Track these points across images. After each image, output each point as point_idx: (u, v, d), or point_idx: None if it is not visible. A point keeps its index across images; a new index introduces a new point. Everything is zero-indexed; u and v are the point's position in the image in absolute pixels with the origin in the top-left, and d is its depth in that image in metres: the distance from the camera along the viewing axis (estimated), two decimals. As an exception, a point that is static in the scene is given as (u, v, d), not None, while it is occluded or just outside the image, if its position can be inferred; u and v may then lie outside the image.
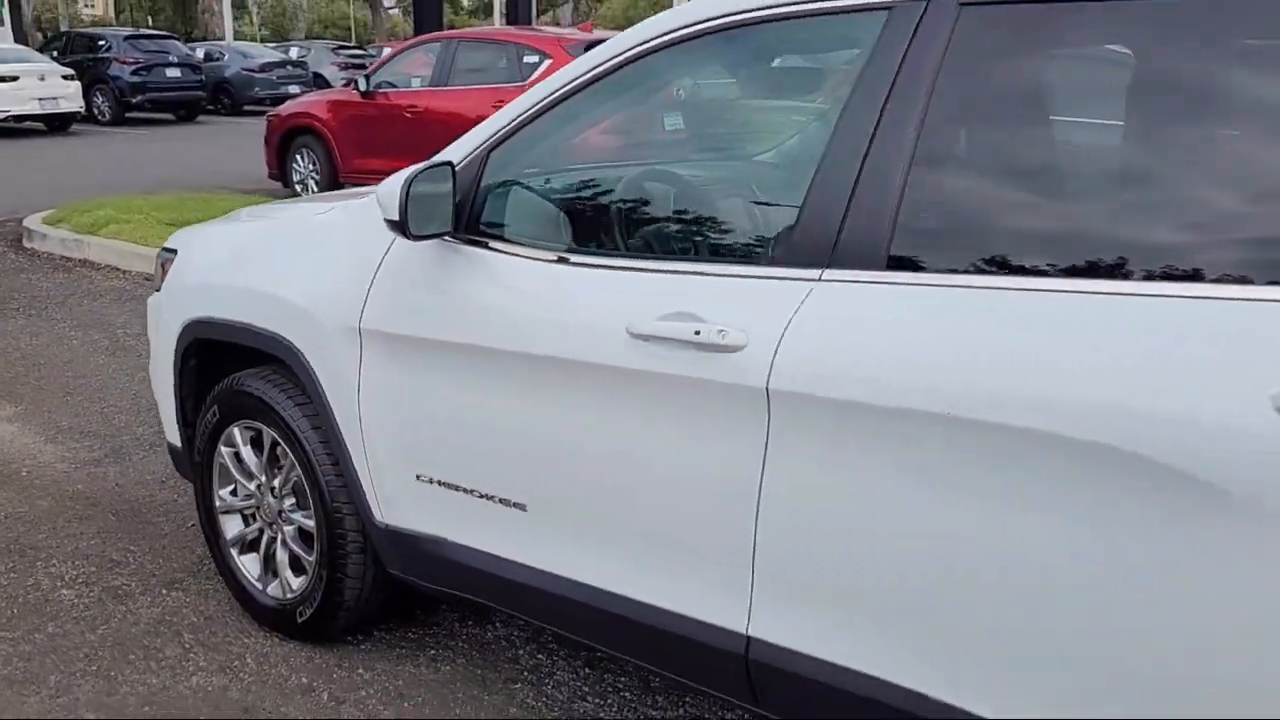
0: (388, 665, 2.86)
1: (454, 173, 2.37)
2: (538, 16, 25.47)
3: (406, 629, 3.03)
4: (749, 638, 2.01)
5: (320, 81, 24.66)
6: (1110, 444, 1.55)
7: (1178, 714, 1.55)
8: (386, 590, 2.85)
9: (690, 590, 2.09)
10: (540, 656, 2.91)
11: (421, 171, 2.31)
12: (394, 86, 10.58)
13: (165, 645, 2.94)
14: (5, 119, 18.32)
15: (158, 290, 3.25)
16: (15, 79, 18.38)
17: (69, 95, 19.12)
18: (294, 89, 22.50)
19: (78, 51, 21.80)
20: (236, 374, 2.94)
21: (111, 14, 75.30)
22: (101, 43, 21.73)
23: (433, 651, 2.93)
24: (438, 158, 2.44)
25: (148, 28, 42.19)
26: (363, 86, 10.62)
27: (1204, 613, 1.51)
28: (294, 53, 28.47)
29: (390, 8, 45.92)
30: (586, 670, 2.84)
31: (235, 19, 40.29)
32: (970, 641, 1.75)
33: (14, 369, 5.48)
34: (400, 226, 2.28)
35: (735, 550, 1.99)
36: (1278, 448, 1.42)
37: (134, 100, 20.24)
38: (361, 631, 2.98)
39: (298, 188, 11.21)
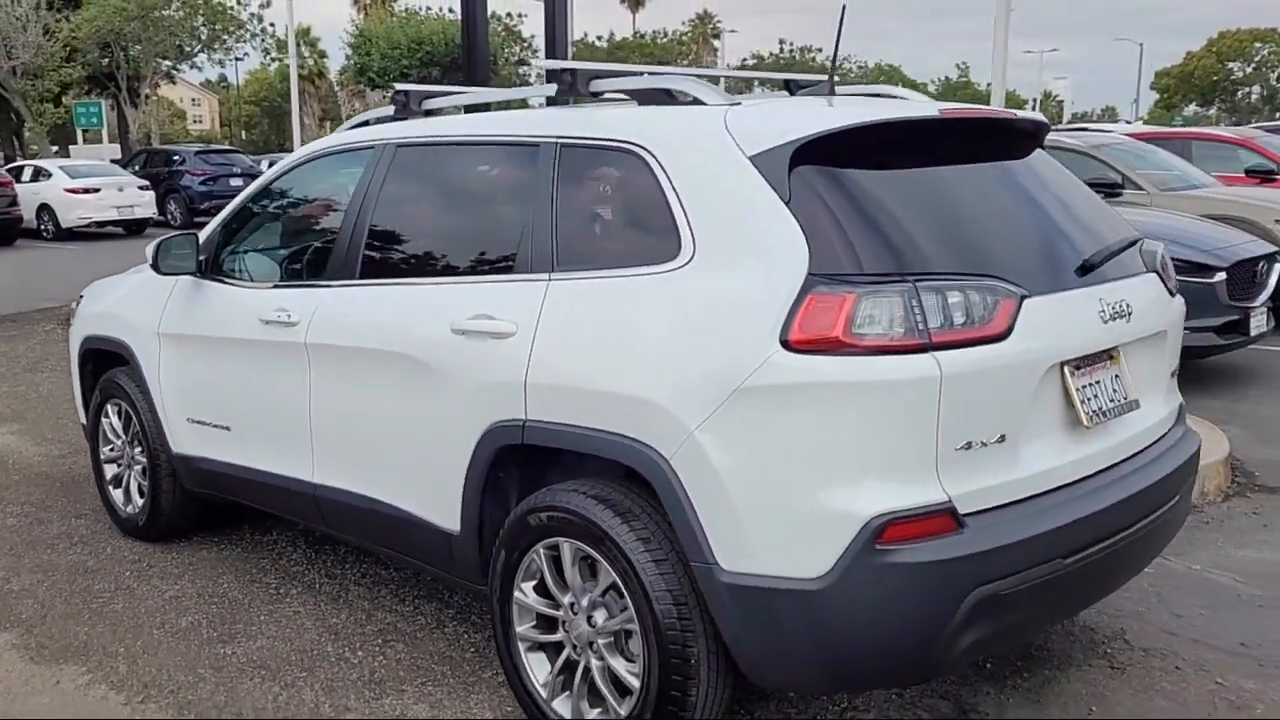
0: (189, 551, 4.53)
1: (196, 240, 4.13)
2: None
3: (212, 534, 4.70)
4: (314, 484, 3.66)
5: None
6: (395, 351, 3.24)
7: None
8: (193, 503, 4.52)
9: (297, 464, 3.74)
10: (290, 548, 4.55)
11: (172, 238, 4.08)
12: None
13: (69, 546, 4.65)
14: (88, 225, 21.05)
15: (71, 322, 5.07)
16: (97, 190, 21.16)
17: (143, 203, 21.85)
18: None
19: (156, 165, 24.76)
20: (108, 371, 4.71)
21: (217, 127, 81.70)
22: (175, 157, 24.67)
23: (220, 545, 4.60)
24: (190, 232, 4.22)
25: (239, 142, 46.11)
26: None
27: (412, 426, 3.23)
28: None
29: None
30: (310, 548, 4.47)
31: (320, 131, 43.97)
32: (330, 448, 3.52)
33: (27, 403, 7.39)
34: (154, 266, 4.06)
35: (303, 435, 3.66)
36: (452, 343, 3.06)
37: (202, 206, 22.82)
38: (182, 535, 4.65)
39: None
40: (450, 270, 3.37)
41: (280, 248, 4.26)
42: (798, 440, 2.46)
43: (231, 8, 37.06)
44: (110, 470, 4.83)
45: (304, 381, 3.64)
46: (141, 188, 22.04)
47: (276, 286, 3.96)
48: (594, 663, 2.85)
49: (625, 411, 2.68)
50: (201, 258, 4.14)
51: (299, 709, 3.22)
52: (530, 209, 3.08)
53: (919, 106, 3.08)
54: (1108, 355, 2.89)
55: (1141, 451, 2.99)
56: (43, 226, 21.34)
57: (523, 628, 3.00)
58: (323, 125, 57.45)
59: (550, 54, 9.44)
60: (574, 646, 2.89)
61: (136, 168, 24.65)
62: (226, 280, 4.14)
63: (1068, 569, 2.63)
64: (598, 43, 68.93)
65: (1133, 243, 3.12)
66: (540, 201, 3.05)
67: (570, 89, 3.27)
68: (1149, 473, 2.94)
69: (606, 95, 3.32)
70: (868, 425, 2.42)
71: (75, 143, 35.98)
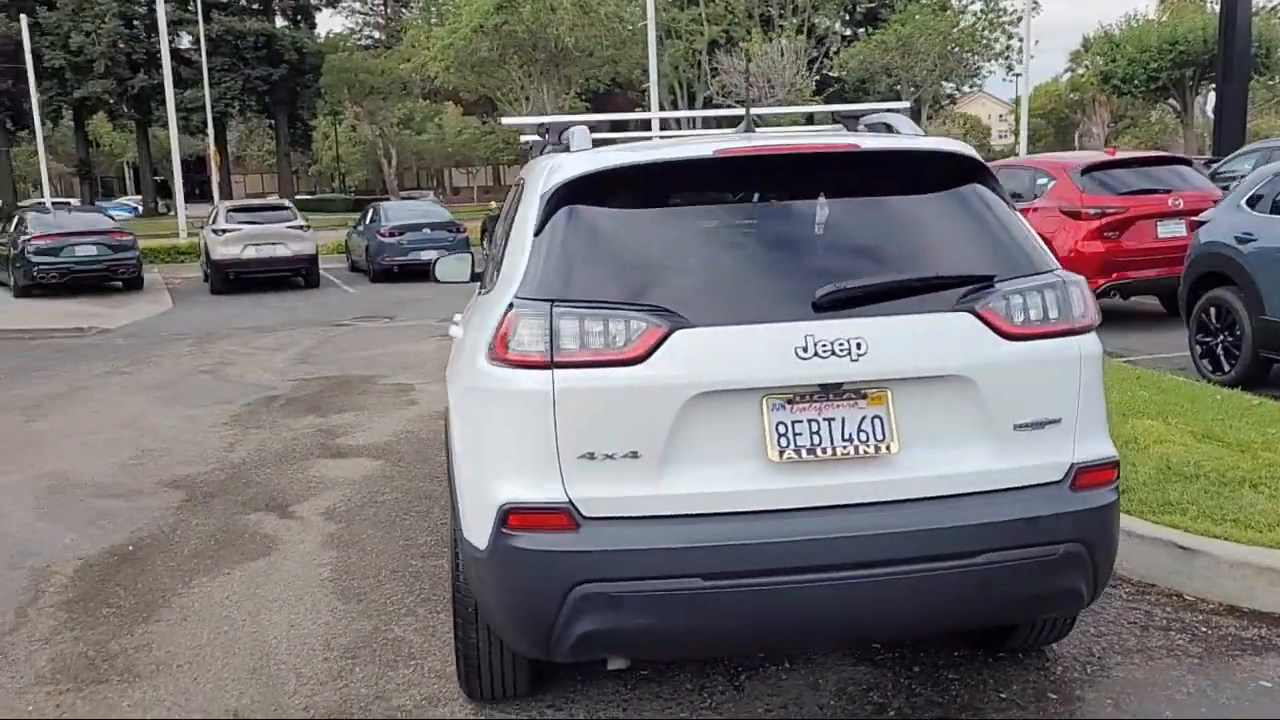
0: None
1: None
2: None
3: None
4: None
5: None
6: None
7: None
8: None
9: None
10: None
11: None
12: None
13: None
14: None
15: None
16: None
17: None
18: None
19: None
20: None
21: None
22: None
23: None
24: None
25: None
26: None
27: None
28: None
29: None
30: None
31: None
32: None
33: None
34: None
35: None
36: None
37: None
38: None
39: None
40: None
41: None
42: (478, 435, 3.07)
43: (984, 29, 38.41)
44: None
45: None
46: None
47: None
48: None
49: None
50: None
51: None
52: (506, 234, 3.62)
53: (707, 145, 3.13)
54: (847, 394, 2.84)
55: (904, 500, 2.84)
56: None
57: None
58: (1113, 135, 55.60)
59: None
60: None
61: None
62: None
63: (708, 590, 2.76)
64: None
65: (923, 280, 2.91)
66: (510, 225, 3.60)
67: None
68: (900, 520, 2.81)
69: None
70: (508, 428, 2.92)
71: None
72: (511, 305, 2.91)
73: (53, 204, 25.08)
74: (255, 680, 3.76)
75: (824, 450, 2.81)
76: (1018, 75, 42.57)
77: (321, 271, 20.89)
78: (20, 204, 37.82)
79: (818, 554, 2.77)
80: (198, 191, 60.81)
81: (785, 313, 2.81)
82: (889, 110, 3.66)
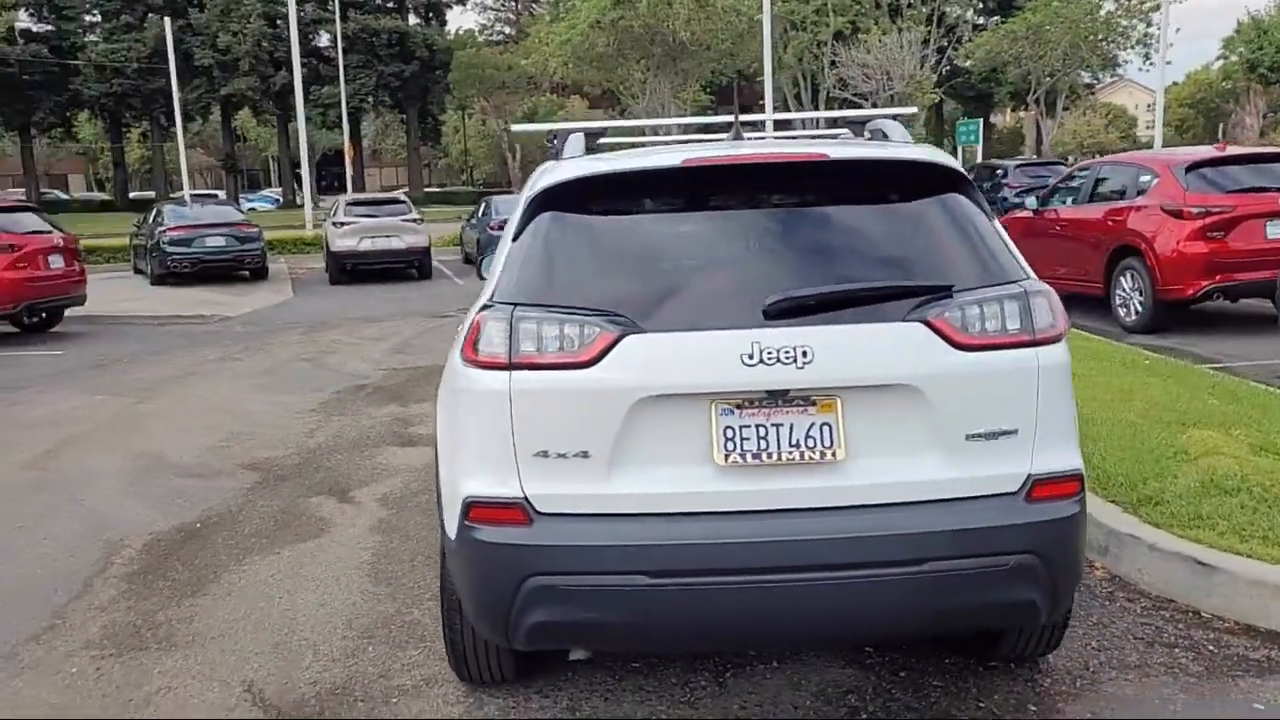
0: None
1: None
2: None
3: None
4: None
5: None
6: None
7: None
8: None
9: None
10: None
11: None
12: (1061, 203, 12.57)
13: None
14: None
15: None
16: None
17: None
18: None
19: (981, 179, 26.22)
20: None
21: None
22: (999, 170, 26.15)
23: None
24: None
25: (1127, 148, 45.24)
26: (1032, 204, 12.85)
27: None
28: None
29: None
30: None
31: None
32: None
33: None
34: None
35: None
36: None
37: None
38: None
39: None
40: None
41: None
42: (452, 430, 3.24)
43: (1120, 16, 36.90)
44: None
45: None
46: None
47: None
48: None
49: None
50: None
51: None
52: None
53: (677, 155, 3.19)
54: (795, 400, 2.90)
55: (850, 506, 2.89)
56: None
57: None
58: (1271, 127, 52.56)
59: None
60: None
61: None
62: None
63: (653, 588, 2.87)
64: None
65: (875, 289, 2.94)
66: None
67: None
68: (845, 526, 2.86)
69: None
70: (473, 425, 3.08)
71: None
72: (485, 308, 3.06)
73: (193, 197, 26.58)
74: (276, 654, 4.01)
75: (770, 455, 2.87)
76: (1155, 65, 40.74)
77: (436, 263, 21.56)
78: (171, 195, 40.06)
79: (761, 557, 2.84)
80: (336, 184, 62.95)
81: (736, 320, 2.87)
82: (884, 116, 3.67)
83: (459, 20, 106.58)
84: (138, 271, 22.04)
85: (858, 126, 3.82)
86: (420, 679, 3.76)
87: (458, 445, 3.13)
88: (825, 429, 2.88)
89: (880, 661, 3.72)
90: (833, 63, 35.18)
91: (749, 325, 2.86)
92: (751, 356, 2.84)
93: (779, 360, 2.83)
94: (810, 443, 2.88)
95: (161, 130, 57.36)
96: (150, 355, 12.15)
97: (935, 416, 2.89)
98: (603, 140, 4.07)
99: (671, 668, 3.73)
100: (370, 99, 55.99)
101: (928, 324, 2.89)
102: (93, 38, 55.24)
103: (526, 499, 2.94)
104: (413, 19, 59.76)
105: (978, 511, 2.88)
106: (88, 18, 55.98)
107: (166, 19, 34.50)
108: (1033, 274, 3.11)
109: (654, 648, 3.56)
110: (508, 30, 72.13)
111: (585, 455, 2.92)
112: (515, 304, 3.00)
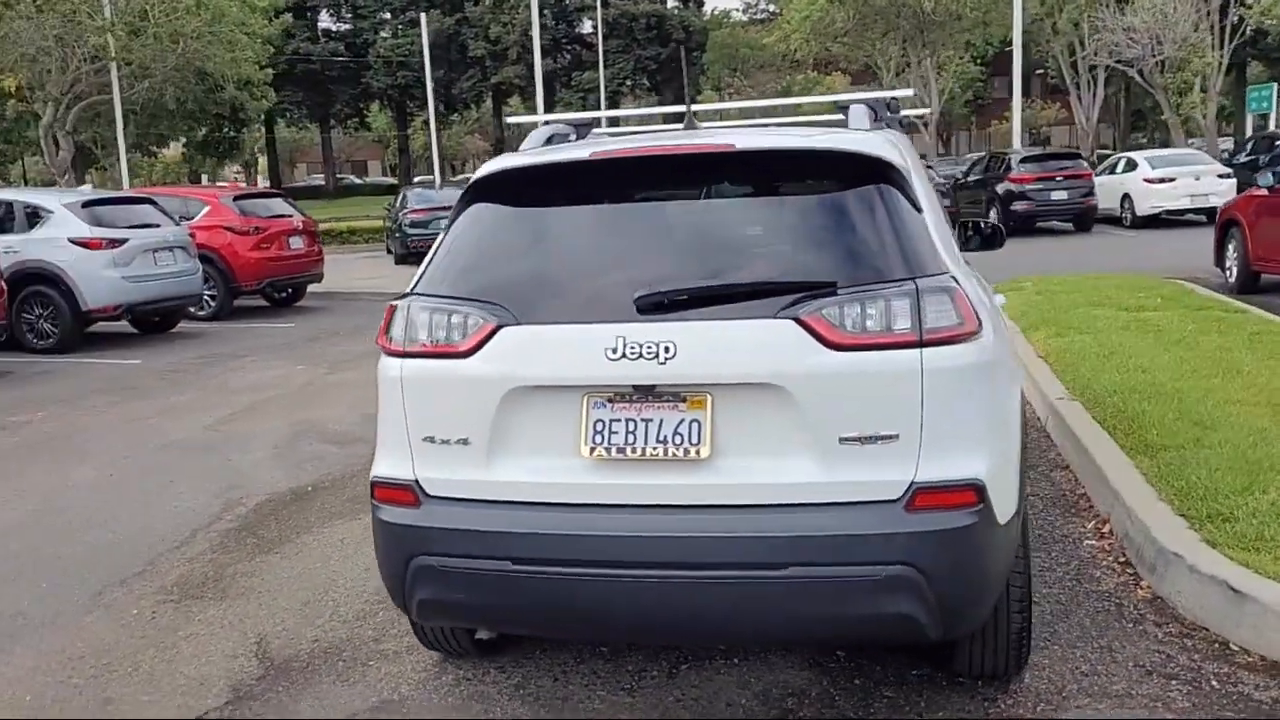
0: None
1: None
2: None
3: None
4: None
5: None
6: None
7: None
8: None
9: None
10: None
11: None
12: (1303, 180, 11.24)
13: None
14: (1161, 212, 21.85)
15: None
16: (1173, 180, 21.76)
17: (1220, 191, 21.06)
18: None
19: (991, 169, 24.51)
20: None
21: None
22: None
23: None
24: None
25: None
26: (1266, 182, 11.55)
27: None
28: None
29: None
30: None
31: None
32: None
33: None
34: None
35: None
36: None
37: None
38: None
39: (1226, 273, 12.48)
40: None
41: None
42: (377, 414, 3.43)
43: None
44: None
45: None
46: (1221, 175, 21.81)
47: None
48: None
49: None
50: None
51: None
52: None
53: (586, 148, 3.25)
54: (665, 396, 2.87)
55: (714, 505, 2.84)
56: (1123, 214, 22.84)
57: None
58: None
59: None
60: None
61: (1244, 154, 24.20)
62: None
63: (517, 574, 2.95)
64: None
65: (748, 285, 2.87)
66: None
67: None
68: (707, 525, 2.82)
69: None
70: (382, 409, 3.24)
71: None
72: (401, 297, 3.21)
73: (444, 181, 28.35)
74: (300, 612, 4.37)
75: (634, 450, 2.86)
76: None
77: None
78: (418, 179, 42.84)
79: (620, 551, 2.84)
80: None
81: (610, 314, 2.87)
82: (856, 101, 3.50)
83: (717, 1, 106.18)
84: (389, 251, 23.80)
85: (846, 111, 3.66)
86: (405, 646, 3.99)
87: (377, 428, 3.31)
88: (694, 426, 2.83)
89: (844, 667, 3.60)
90: (1094, 28, 32.63)
91: (619, 320, 2.85)
92: (615, 351, 2.83)
93: (642, 355, 2.81)
94: (676, 439, 2.84)
95: (440, 118, 61.38)
96: (365, 330, 13.17)
97: (805, 417, 2.77)
98: (598, 131, 4.11)
99: (636, 655, 3.76)
100: (629, 82, 57.37)
101: (799, 321, 2.76)
102: (383, 34, 59.73)
103: (417, 481, 3.08)
104: (671, 1, 60.61)
105: (849, 517, 2.73)
106: (379, 16, 60.61)
107: (422, 16, 36.68)
108: (957, 271, 2.91)
109: (514, 630, 3.61)
110: (773, 8, 71.69)
111: (466, 442, 3.02)
112: (416, 294, 3.13)
